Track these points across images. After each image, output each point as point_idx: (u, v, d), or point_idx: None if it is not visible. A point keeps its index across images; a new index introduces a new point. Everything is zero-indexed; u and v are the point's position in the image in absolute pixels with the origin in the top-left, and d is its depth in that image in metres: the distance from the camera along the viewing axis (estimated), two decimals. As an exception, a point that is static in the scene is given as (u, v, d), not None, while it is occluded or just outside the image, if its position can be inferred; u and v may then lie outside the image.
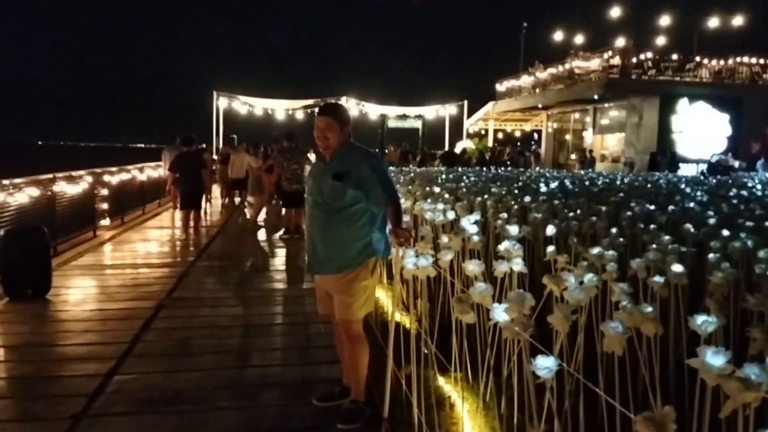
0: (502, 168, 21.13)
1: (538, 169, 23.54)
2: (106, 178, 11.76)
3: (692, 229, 4.99)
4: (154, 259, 8.66)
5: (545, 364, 1.84)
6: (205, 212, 13.84)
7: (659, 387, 2.79)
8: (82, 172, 10.72)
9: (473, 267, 3.19)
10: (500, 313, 2.27)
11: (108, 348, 4.77)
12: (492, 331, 2.99)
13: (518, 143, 40.18)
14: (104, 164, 13.76)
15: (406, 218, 5.65)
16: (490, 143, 36.02)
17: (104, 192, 11.31)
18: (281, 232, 10.61)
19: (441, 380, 3.96)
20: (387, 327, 3.31)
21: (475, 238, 4.23)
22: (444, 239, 4.21)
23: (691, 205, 7.04)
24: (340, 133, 3.56)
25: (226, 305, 6.17)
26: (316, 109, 3.92)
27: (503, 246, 3.63)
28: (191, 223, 10.46)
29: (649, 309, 2.24)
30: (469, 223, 4.66)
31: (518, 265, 3.25)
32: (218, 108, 29.77)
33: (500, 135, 40.12)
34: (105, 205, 11.31)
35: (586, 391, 3.05)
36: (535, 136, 39.00)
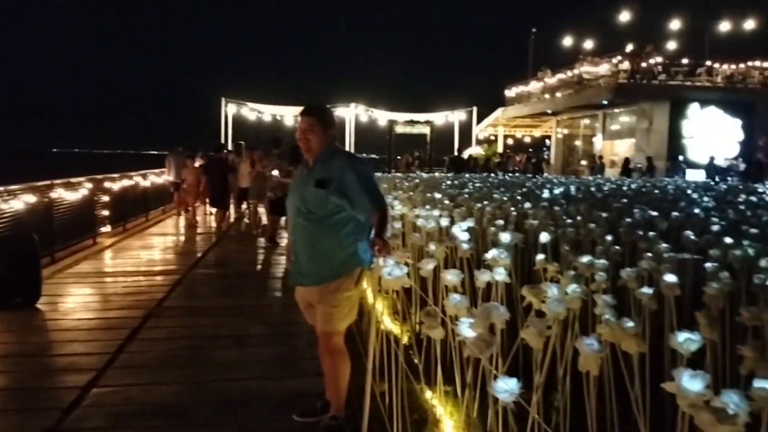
0: (509, 174, 20.95)
1: (546, 175, 23.33)
2: (107, 184, 11.70)
3: (693, 236, 4.80)
4: (150, 266, 8.56)
5: (506, 387, 1.68)
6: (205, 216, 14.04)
7: (648, 408, 2.62)
8: (81, 179, 10.66)
9: (452, 277, 3.03)
10: (466, 328, 2.11)
11: (90, 359, 4.66)
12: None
13: (530, 149, 40.04)
14: (116, 171, 13.78)
15: (397, 225, 5.53)
16: (500, 149, 35.85)
17: (105, 199, 11.26)
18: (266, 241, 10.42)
19: (428, 394, 3.81)
20: (371, 338, 3.15)
21: (464, 246, 4.07)
22: (432, 247, 4.05)
23: (696, 211, 6.83)
24: (322, 136, 3.39)
25: (216, 315, 6.03)
26: None
27: (490, 254, 3.47)
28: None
29: (630, 324, 2.08)
30: (461, 231, 4.50)
31: (501, 275, 3.09)
32: (227, 114, 29.83)
33: (510, 141, 39.98)
34: (106, 212, 11.25)
35: (575, 410, 2.90)
36: (548, 141, 38.80)
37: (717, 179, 18.94)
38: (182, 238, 11.78)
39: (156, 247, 10.44)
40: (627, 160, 22.85)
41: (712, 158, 22.06)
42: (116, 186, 12.13)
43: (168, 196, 15.83)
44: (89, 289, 7.10)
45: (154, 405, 3.88)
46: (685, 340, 1.93)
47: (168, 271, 8.11)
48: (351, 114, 29.92)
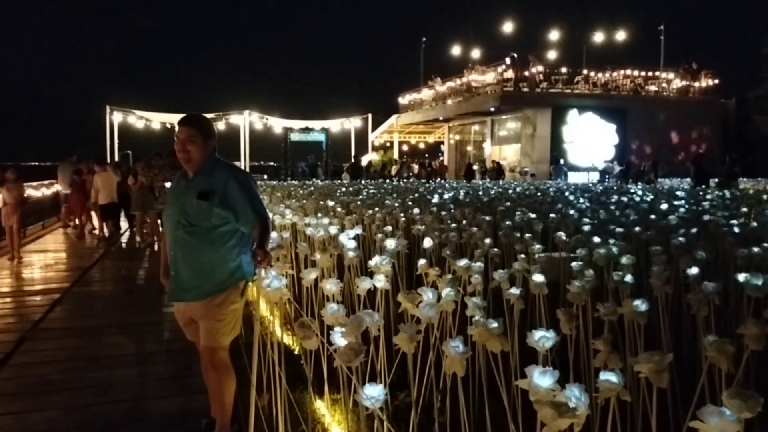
0: (404, 180, 21.38)
1: (440, 180, 23.99)
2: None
3: (564, 237, 5.10)
4: (27, 286, 8.04)
5: (372, 394, 1.74)
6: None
7: (519, 404, 2.76)
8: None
9: (330, 286, 3.07)
10: (339, 337, 2.16)
11: (-47, 390, 4.32)
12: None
13: (426, 155, 40.97)
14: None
15: (285, 234, 5.52)
16: (396, 155, 36.50)
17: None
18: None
19: (319, 404, 3.82)
20: (264, 351, 3.10)
21: (351, 253, 4.12)
22: (318, 256, 4.07)
23: (571, 212, 7.25)
24: (203, 147, 3.30)
25: (97, 334, 5.75)
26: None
27: (373, 261, 3.54)
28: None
29: (495, 324, 2.20)
30: (348, 238, 4.55)
31: (381, 281, 3.16)
32: (112, 123, 28.56)
33: (405, 147, 40.80)
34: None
35: (454, 408, 3.00)
36: (443, 147, 39.88)
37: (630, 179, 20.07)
38: (64, 255, 11.14)
39: (34, 265, 9.81)
40: (469, 165, 25.23)
41: (628, 163, 23.30)
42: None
43: (49, 209, 15.11)
44: (-46, 314, 6.58)
45: (26, 435, 3.66)
46: (540, 337, 2.07)
47: (46, 290, 7.65)
48: (245, 121, 29.47)
